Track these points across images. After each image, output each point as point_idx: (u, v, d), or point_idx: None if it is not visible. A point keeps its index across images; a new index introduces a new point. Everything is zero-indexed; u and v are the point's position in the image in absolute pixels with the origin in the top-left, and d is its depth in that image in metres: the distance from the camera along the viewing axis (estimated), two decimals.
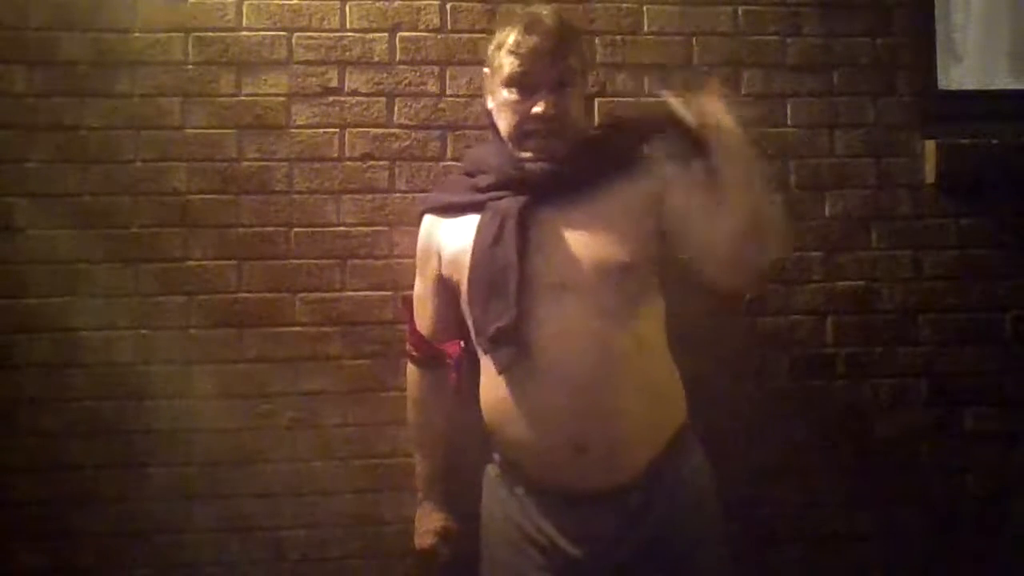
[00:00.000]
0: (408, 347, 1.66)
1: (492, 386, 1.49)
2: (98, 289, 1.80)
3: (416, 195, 1.83)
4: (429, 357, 1.62)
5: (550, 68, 1.48)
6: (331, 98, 1.86)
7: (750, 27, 1.95)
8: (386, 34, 1.88)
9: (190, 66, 1.84)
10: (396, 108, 1.88)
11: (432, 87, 1.88)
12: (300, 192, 1.85)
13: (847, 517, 1.91)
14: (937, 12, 2.05)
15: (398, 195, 1.87)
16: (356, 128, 1.87)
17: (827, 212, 1.95)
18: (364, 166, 1.87)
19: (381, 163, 1.87)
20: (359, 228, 1.86)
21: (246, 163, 1.85)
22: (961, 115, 1.99)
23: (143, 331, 1.81)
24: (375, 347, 1.84)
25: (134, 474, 1.80)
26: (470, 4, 1.89)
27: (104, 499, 1.79)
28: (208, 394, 1.81)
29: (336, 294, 1.85)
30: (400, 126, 1.88)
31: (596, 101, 1.89)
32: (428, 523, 1.61)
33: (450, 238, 1.57)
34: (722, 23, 1.94)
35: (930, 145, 1.95)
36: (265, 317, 1.83)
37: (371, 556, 1.83)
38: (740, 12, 1.94)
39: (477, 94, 1.86)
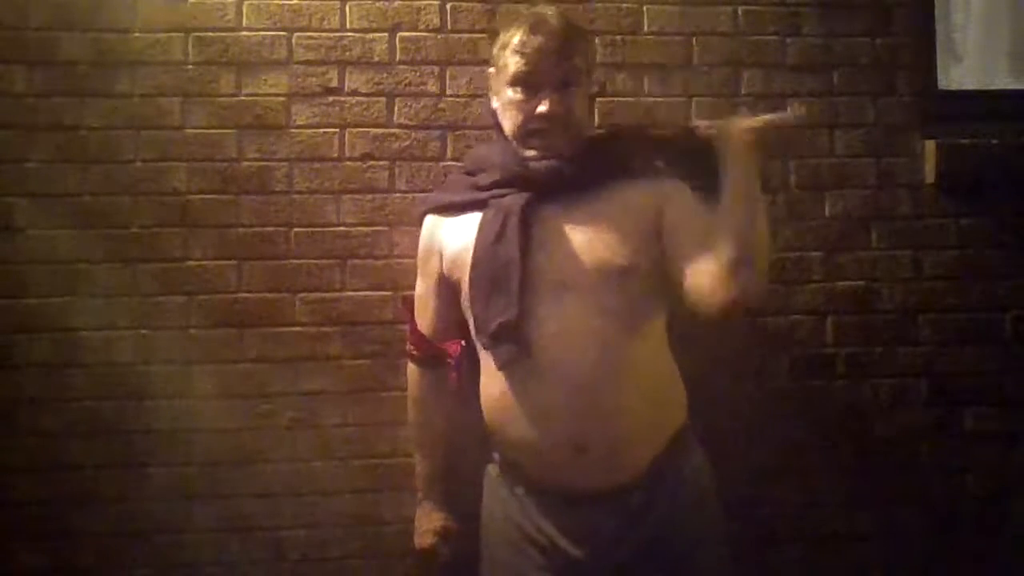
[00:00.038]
0: (408, 346, 1.66)
1: (492, 385, 1.49)
2: (98, 289, 1.80)
3: (416, 195, 1.83)
4: (430, 356, 1.62)
5: (555, 68, 1.49)
6: (331, 98, 1.86)
7: (750, 27, 1.95)
8: (386, 34, 1.88)
9: (190, 66, 1.84)
10: (396, 108, 1.88)
11: (432, 87, 1.88)
12: (300, 192, 1.85)
13: (847, 517, 1.92)
14: (937, 12, 2.05)
15: (398, 195, 1.87)
16: (356, 128, 1.87)
17: (827, 212, 1.95)
18: (364, 166, 1.87)
19: (381, 163, 1.87)
20: (359, 228, 1.86)
21: (246, 163, 1.85)
22: (961, 115, 1.99)
23: (143, 331, 1.81)
24: (375, 347, 1.84)
25: (134, 474, 1.80)
26: (470, 4, 1.89)
27: (104, 499, 1.79)
28: (208, 394, 1.81)
29: (336, 294, 1.85)
30: (400, 126, 1.88)
31: (596, 101, 1.88)
32: (428, 523, 1.61)
33: (452, 237, 1.57)
34: (722, 23, 1.94)
35: (930, 145, 1.95)
36: (265, 317, 1.83)
37: (371, 556, 1.83)
38: (740, 12, 1.94)
39: (477, 94, 1.86)
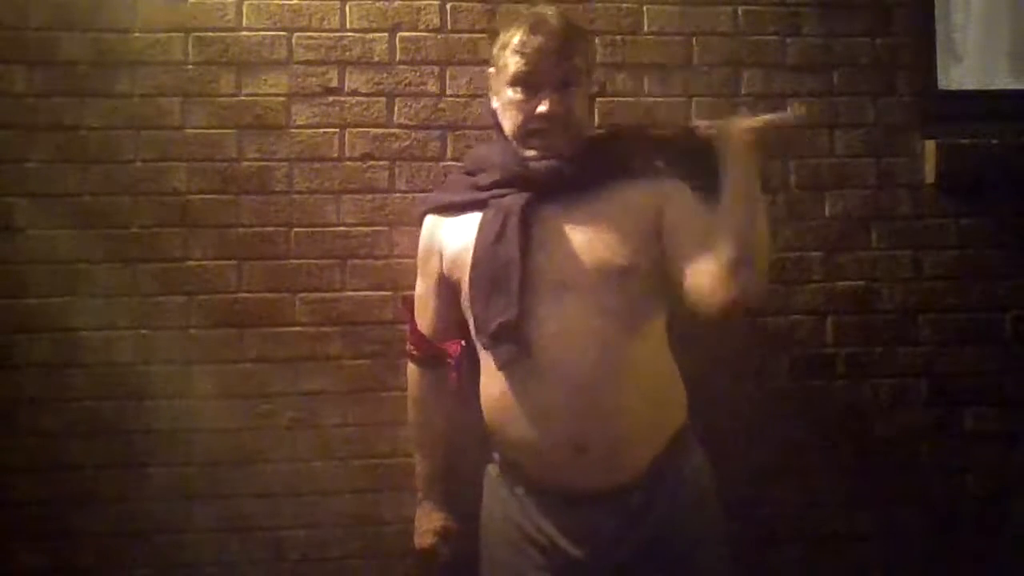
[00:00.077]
0: (409, 346, 1.66)
1: (492, 385, 1.49)
2: (98, 289, 1.80)
3: (416, 195, 1.83)
4: (430, 356, 1.62)
5: (555, 68, 1.49)
6: (331, 98, 1.86)
7: (750, 27, 1.95)
8: (386, 34, 1.88)
9: (190, 66, 1.84)
10: (396, 108, 1.88)
11: (432, 87, 1.88)
12: (300, 192, 1.85)
13: (847, 517, 1.91)
14: (937, 12, 2.05)
15: (398, 195, 1.87)
16: (356, 128, 1.87)
17: (827, 212, 1.95)
18: (364, 166, 1.87)
19: (381, 163, 1.87)
20: (359, 228, 1.86)
21: (246, 163, 1.85)
22: (961, 115, 2.00)
23: (143, 331, 1.81)
24: (375, 347, 1.84)
25: (134, 474, 1.80)
26: (470, 4, 1.89)
27: (104, 499, 1.79)
28: (208, 394, 1.81)
29: (336, 294, 1.85)
30: (400, 126, 1.88)
31: (596, 101, 1.88)
32: (428, 523, 1.61)
33: (452, 237, 1.57)
34: (722, 23, 1.94)
35: (930, 145, 1.95)
36: (265, 317, 1.83)
37: (371, 556, 1.83)
38: (740, 12, 1.95)
39: (477, 94, 1.86)
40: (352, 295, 1.85)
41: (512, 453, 1.50)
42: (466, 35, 1.89)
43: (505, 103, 1.53)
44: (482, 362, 1.52)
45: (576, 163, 1.50)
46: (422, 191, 1.83)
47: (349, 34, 1.87)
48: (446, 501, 1.64)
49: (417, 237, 1.65)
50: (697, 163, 1.44)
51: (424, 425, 1.65)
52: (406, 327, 1.68)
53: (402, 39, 1.88)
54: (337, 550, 1.83)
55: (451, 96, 1.88)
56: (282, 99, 1.85)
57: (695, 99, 1.92)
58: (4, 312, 1.79)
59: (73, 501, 1.78)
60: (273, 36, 1.86)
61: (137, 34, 1.83)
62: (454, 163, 1.84)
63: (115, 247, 1.81)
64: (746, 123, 1.40)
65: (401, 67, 1.88)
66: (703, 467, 1.53)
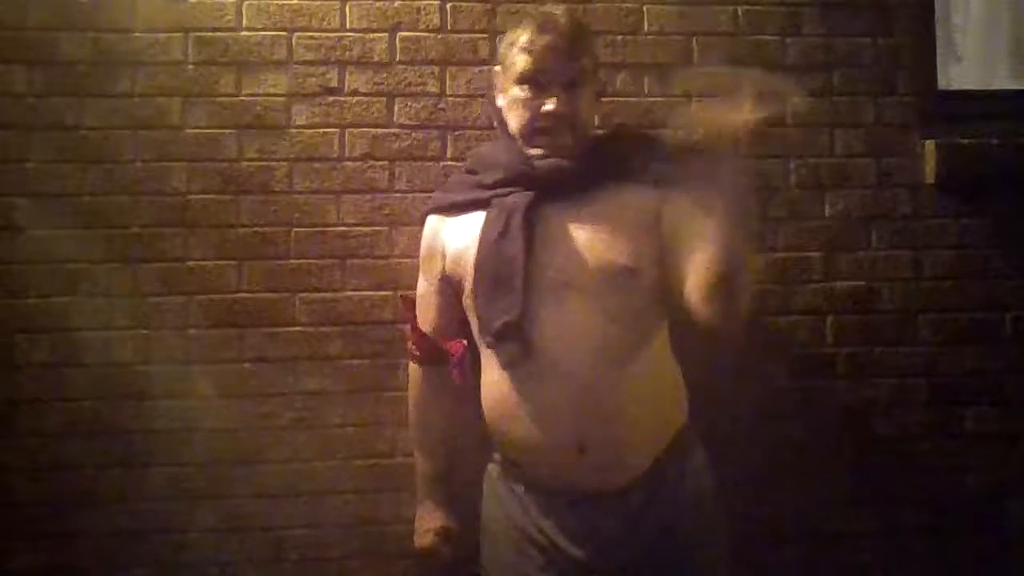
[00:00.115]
0: (410, 346, 1.66)
1: (494, 385, 1.49)
2: (98, 289, 1.80)
3: (416, 195, 1.83)
4: (431, 356, 1.62)
5: (563, 67, 1.49)
6: (331, 98, 1.86)
7: (750, 27, 1.95)
8: (386, 34, 1.88)
9: (190, 66, 1.84)
10: (396, 108, 1.88)
11: (432, 87, 1.88)
12: (300, 192, 1.85)
13: (847, 517, 1.91)
14: (937, 12, 2.05)
15: (398, 195, 1.87)
16: (356, 128, 1.87)
17: (827, 212, 1.95)
18: (364, 166, 1.87)
19: (381, 163, 1.87)
20: (359, 228, 1.86)
21: (246, 163, 1.85)
22: (961, 115, 1.99)
23: (143, 331, 1.81)
24: (375, 347, 1.84)
25: (134, 474, 1.80)
26: (470, 4, 1.89)
27: (104, 499, 1.79)
28: (208, 394, 1.81)
29: (336, 294, 1.85)
30: (400, 126, 1.88)
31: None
32: (428, 523, 1.61)
33: (455, 236, 1.57)
34: (722, 23, 1.94)
35: (930, 145, 1.95)
36: (265, 317, 1.83)
37: (371, 556, 1.83)
38: (740, 12, 1.95)
39: (477, 94, 1.86)
40: (352, 295, 1.85)
41: (513, 453, 1.50)
42: (466, 35, 1.89)
43: (511, 101, 1.53)
44: (483, 361, 1.51)
45: (581, 163, 1.50)
46: (422, 191, 1.83)
47: (349, 34, 1.87)
48: (446, 501, 1.63)
49: (417, 237, 1.65)
50: (699, 164, 1.43)
51: (425, 425, 1.65)
52: (406, 326, 1.68)
53: (402, 39, 1.88)
54: (337, 550, 1.83)
55: (451, 96, 1.88)
56: (282, 99, 1.85)
57: (695, 99, 1.92)
58: (4, 312, 1.79)
59: (73, 501, 1.78)
60: (273, 36, 1.86)
61: (137, 34, 1.83)
62: (454, 163, 1.84)
63: (115, 247, 1.81)
64: (737, 119, 1.34)
65: (401, 67, 1.88)
66: (704, 467, 1.53)
